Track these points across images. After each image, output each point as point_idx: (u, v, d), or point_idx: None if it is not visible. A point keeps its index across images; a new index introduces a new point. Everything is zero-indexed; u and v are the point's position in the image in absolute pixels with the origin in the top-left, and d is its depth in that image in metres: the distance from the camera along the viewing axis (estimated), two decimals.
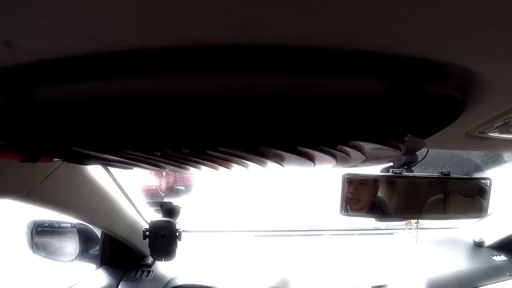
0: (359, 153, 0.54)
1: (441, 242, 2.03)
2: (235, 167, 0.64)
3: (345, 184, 1.12)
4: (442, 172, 1.08)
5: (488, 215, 1.97)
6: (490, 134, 0.75)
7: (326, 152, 0.50)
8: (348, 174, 1.10)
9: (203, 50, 0.35)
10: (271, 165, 0.61)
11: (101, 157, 0.62)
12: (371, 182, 1.13)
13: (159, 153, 0.51)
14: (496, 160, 2.07)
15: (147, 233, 1.32)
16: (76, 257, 1.51)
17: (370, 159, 0.60)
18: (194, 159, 0.56)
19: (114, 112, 0.43)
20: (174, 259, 1.44)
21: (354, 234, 1.96)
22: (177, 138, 0.48)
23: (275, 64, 0.37)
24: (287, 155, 0.52)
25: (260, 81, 0.39)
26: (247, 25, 0.32)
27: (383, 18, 0.31)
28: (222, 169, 0.66)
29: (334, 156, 0.53)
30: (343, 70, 0.38)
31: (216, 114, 0.42)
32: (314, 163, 0.57)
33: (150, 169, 0.71)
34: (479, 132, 0.73)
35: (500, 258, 1.89)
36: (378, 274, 1.47)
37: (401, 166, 1.05)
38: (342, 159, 0.56)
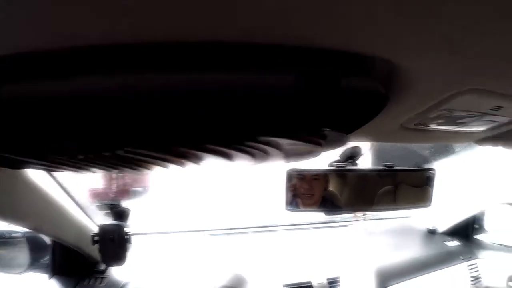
0: (275, 149, 0.51)
1: (395, 231, 2.08)
2: (159, 168, 0.61)
3: (292, 179, 1.10)
4: (385, 164, 1.08)
5: (440, 203, 2.03)
6: (425, 127, 0.75)
7: (236, 149, 0.48)
8: (291, 169, 1.08)
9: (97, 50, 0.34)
10: (189, 165, 0.57)
11: (32, 162, 0.57)
12: (323, 176, 1.12)
13: (82, 157, 0.48)
14: (445, 151, 2.13)
15: (96, 238, 1.25)
16: (26, 269, 1.43)
17: (291, 154, 0.58)
18: (117, 161, 0.53)
19: (29, 114, 0.39)
20: (127, 264, 1.39)
21: (309, 228, 1.96)
22: (96, 141, 0.44)
23: (177, 61, 0.36)
24: (200, 153, 0.50)
25: (161, 79, 0.36)
26: (133, 24, 0.31)
27: (297, 11, 0.30)
28: (150, 170, 0.62)
29: (248, 153, 0.51)
30: (251, 64, 0.37)
31: (121, 115, 0.39)
32: (232, 161, 0.55)
33: (92, 172, 0.67)
34: (414, 124, 0.73)
35: (453, 243, 1.96)
36: (332, 266, 1.47)
37: (346, 160, 1.04)
38: (259, 156, 0.54)
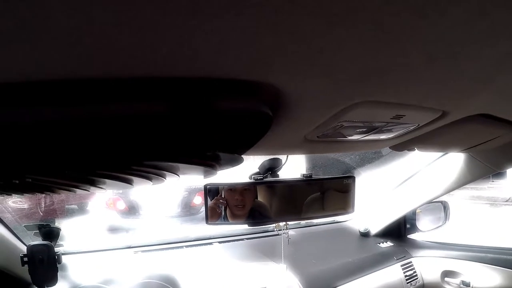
0: (168, 172, 0.53)
1: (326, 237, 2.11)
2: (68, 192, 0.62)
3: (218, 191, 1.09)
4: (303, 174, 1.10)
5: (371, 206, 2.11)
6: (331, 138, 0.78)
7: (127, 173, 0.49)
8: (209, 183, 1.07)
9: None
10: (94, 189, 0.58)
11: None
12: (254, 188, 1.12)
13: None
14: (371, 159, 2.21)
15: (25, 259, 1.21)
16: None
17: (189, 174, 0.59)
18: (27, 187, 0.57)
19: None
20: (59, 284, 1.33)
21: (243, 239, 1.96)
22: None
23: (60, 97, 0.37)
24: (95, 178, 0.52)
25: (53, 113, 0.37)
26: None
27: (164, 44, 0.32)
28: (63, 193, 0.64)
29: (144, 176, 0.53)
30: (123, 95, 0.38)
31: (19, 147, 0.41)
32: (131, 184, 0.57)
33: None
34: (317, 137, 0.75)
35: (386, 244, 2.02)
36: (262, 277, 1.47)
37: (266, 172, 1.05)
38: (156, 178, 0.56)
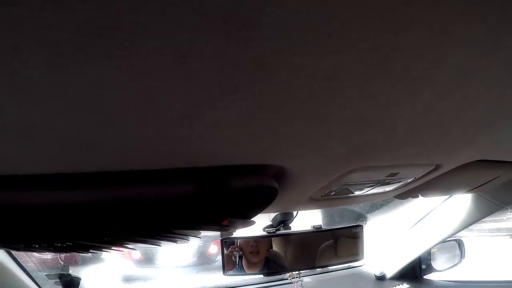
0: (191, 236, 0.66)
1: (343, 283, 2.11)
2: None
3: (234, 242, 1.15)
4: (314, 226, 1.15)
5: (386, 249, 2.12)
6: (335, 196, 0.84)
7: (158, 238, 0.61)
8: (225, 237, 1.13)
9: None
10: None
11: None
12: (269, 238, 1.17)
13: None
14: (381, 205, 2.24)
15: None
16: None
17: (208, 234, 0.72)
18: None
19: None
20: None
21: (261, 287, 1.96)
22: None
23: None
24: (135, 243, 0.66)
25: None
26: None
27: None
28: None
29: (170, 239, 0.64)
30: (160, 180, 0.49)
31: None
32: (160, 244, 0.71)
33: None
34: (321, 196, 0.82)
35: (403, 286, 2.01)
36: None
37: (278, 224, 1.11)
38: (180, 240, 0.67)
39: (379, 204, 2.18)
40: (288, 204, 0.89)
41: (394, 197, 1.07)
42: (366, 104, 0.40)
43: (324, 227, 1.18)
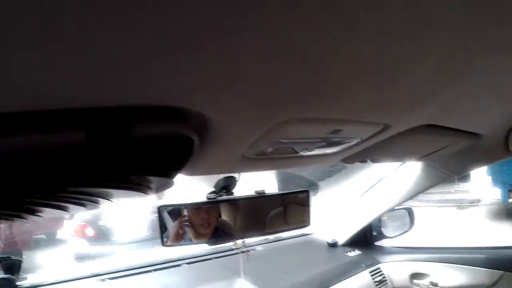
0: (98, 197, 0.54)
1: (293, 251, 2.12)
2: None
3: (182, 211, 1.09)
4: (256, 191, 1.11)
5: (337, 217, 2.14)
6: (272, 155, 0.79)
7: (56, 200, 0.50)
8: (163, 205, 1.07)
9: None
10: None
11: None
12: (217, 206, 1.12)
13: None
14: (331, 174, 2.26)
15: None
16: None
17: (121, 197, 0.61)
18: None
19: None
20: None
21: (211, 258, 1.93)
22: None
23: None
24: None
25: None
26: None
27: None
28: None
29: (75, 203, 0.53)
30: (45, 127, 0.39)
31: None
32: (67, 210, 0.57)
33: None
34: (256, 154, 0.76)
35: (354, 253, 2.06)
36: None
37: (220, 190, 1.06)
38: (89, 204, 0.57)
39: (331, 172, 2.19)
40: (219, 164, 0.80)
41: (341, 161, 1.04)
42: (298, 41, 0.35)
43: (268, 193, 1.14)
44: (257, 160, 0.81)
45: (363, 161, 1.09)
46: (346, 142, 0.84)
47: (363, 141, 0.85)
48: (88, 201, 0.54)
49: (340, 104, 0.58)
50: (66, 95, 0.36)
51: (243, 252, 1.25)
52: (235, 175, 1.13)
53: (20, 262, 1.36)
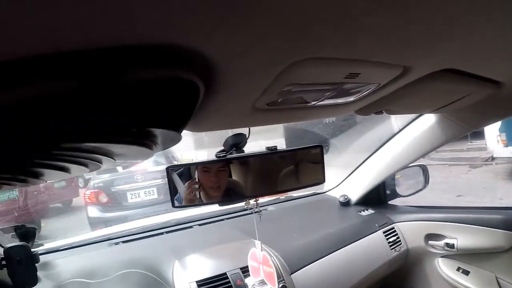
0: (100, 155, 0.50)
1: (306, 210, 2.11)
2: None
3: (191, 173, 1.06)
4: (268, 147, 1.07)
5: (349, 175, 2.11)
6: (283, 105, 0.74)
7: (57, 159, 0.46)
8: (171, 166, 1.04)
9: None
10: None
11: None
12: (228, 167, 1.09)
13: None
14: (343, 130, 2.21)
15: (3, 262, 1.17)
16: None
17: (124, 154, 0.55)
18: None
19: None
20: (41, 284, 1.31)
21: (223, 219, 1.94)
22: None
23: None
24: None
25: None
26: None
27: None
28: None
29: (75, 162, 0.49)
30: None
31: None
32: (69, 172, 0.54)
33: None
34: (267, 105, 0.71)
35: (367, 212, 2.03)
36: (242, 255, 1.41)
37: (230, 148, 1.02)
38: (92, 164, 0.53)
39: (343, 128, 2.14)
40: (228, 117, 0.76)
41: (355, 112, 0.99)
42: None
43: (280, 149, 1.09)
44: (269, 112, 0.77)
45: (379, 112, 1.03)
46: (362, 90, 0.78)
47: (380, 88, 0.79)
48: (89, 159, 0.50)
49: (357, 41, 0.53)
50: (51, 37, 0.31)
51: (256, 212, 1.22)
52: (245, 132, 1.08)
53: (34, 229, 1.36)
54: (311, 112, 0.88)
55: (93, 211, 6.07)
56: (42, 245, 1.68)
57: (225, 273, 1.37)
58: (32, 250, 1.24)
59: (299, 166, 1.14)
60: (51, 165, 0.46)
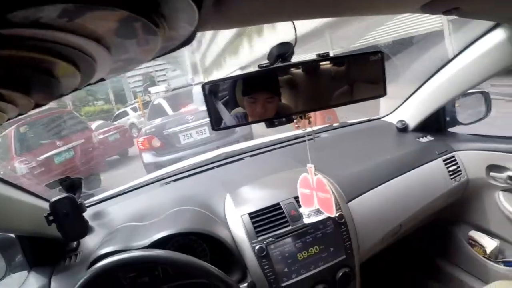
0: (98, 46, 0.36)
1: (361, 136, 2.03)
2: None
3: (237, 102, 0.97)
4: (319, 54, 0.94)
5: (407, 99, 1.96)
6: None
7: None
8: (208, 82, 0.93)
9: None
10: None
11: None
12: (275, 96, 0.98)
13: None
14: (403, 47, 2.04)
15: (50, 217, 1.20)
16: (5, 273, 1.35)
17: (124, 48, 0.41)
18: None
19: None
20: (94, 233, 1.37)
21: (274, 149, 1.89)
22: None
23: None
24: None
25: None
26: None
27: None
28: None
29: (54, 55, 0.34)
30: None
31: None
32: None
33: None
34: None
35: (426, 139, 1.91)
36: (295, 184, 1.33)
37: (275, 60, 0.92)
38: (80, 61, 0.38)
39: (403, 45, 1.98)
40: (267, 7, 0.61)
41: (421, 7, 0.83)
42: None
43: (333, 55, 0.96)
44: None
45: (449, 11, 0.87)
46: None
47: None
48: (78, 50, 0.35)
49: None
50: None
51: (309, 139, 1.14)
52: (291, 42, 0.95)
53: (80, 180, 1.38)
54: (362, 6, 0.75)
55: (148, 157, 6.30)
56: (93, 195, 1.71)
57: (278, 203, 1.33)
58: (78, 201, 1.25)
59: (355, 76, 1.02)
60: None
